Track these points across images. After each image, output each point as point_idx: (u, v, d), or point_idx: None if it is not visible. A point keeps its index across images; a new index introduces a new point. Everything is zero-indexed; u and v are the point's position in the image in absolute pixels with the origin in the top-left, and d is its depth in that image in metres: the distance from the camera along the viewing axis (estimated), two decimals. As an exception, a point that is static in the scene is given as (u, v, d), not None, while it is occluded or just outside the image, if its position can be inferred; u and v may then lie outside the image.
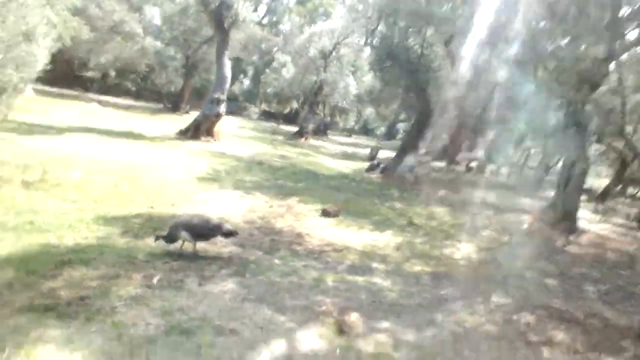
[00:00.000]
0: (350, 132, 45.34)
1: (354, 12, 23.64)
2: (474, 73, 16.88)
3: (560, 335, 5.27)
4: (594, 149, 24.37)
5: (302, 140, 27.98)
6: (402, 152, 17.20)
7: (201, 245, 6.11)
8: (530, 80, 13.86)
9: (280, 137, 27.92)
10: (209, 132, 18.51)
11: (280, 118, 42.94)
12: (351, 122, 47.36)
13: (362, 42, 25.70)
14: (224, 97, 18.58)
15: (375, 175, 17.02)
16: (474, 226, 11.13)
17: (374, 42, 18.57)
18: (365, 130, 49.83)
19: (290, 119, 41.81)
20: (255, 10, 29.42)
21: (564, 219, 12.51)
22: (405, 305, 5.49)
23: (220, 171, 12.81)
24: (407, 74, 16.08)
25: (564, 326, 5.48)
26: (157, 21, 31.28)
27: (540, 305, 6.11)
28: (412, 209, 11.96)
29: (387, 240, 8.47)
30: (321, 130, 34.94)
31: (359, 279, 6.16)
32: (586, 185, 23.42)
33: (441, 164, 28.40)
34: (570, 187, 12.68)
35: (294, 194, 11.16)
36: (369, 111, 43.94)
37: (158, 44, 28.78)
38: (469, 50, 15.34)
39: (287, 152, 20.72)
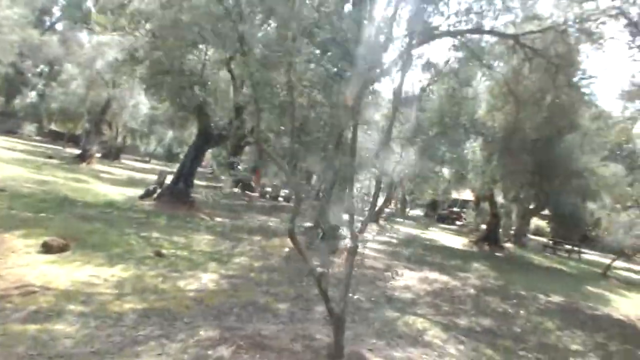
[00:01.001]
0: (150, 156, 42.65)
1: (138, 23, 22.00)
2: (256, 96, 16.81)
3: (249, 367, 4.96)
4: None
5: (84, 164, 25.10)
6: (179, 176, 16.30)
7: None
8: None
9: (56, 161, 24.61)
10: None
11: (69, 139, 38.33)
12: (152, 146, 44.66)
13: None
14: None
15: (149, 202, 15.76)
16: (232, 253, 10.77)
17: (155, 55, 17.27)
18: (171, 155, 47.57)
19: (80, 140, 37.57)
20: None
21: (323, 238, 13.01)
22: (73, 355, 4.58)
23: None
24: (182, 92, 15.28)
25: (259, 355, 5.17)
26: None
27: (250, 335, 5.78)
28: (171, 238, 11.10)
29: (111, 275, 7.43)
30: (112, 154, 32.09)
31: (32, 327, 5.05)
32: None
33: (236, 189, 28.33)
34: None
35: (21, 227, 9.36)
36: (172, 135, 42.00)
37: None
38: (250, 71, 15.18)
39: (53, 177, 18.10)
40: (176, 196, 15.77)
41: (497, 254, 20.59)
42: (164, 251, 9.55)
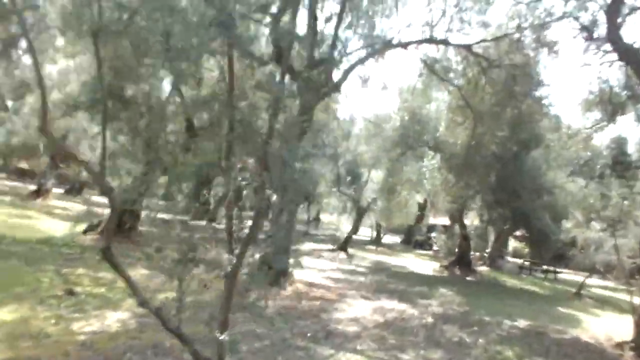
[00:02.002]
0: (120, 191, 41.19)
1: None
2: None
3: None
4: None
5: (39, 200, 23.91)
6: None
7: None
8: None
9: (9, 197, 23.37)
10: None
11: (33, 175, 36.79)
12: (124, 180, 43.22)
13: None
14: None
15: (92, 237, 14.74)
16: (161, 288, 9.75)
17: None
18: (143, 189, 46.19)
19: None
20: None
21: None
22: None
23: None
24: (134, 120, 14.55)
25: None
26: None
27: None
28: (96, 274, 10.08)
29: (-10, 319, 6.45)
30: (76, 189, 30.89)
31: None
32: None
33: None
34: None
35: None
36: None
37: None
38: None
39: (-6, 214, 16.99)
40: (121, 229, 14.76)
41: (468, 278, 19.76)
42: (78, 289, 8.57)
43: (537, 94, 14.76)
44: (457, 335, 9.53)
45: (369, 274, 17.30)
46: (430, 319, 10.68)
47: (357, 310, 10.65)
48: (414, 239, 37.36)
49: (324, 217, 42.81)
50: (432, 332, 9.49)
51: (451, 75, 14.54)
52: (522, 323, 11.47)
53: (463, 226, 21.19)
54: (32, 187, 27.80)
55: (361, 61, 13.02)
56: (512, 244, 37.77)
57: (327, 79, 13.17)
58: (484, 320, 11.29)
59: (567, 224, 25.07)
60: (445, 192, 18.31)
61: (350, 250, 23.48)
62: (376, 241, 34.73)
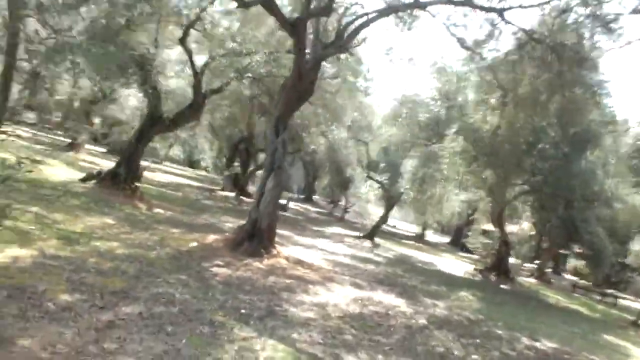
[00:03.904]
0: (164, 159, 40.67)
1: None
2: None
3: None
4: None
5: (71, 153, 23.93)
6: (121, 161, 14.85)
7: None
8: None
9: (41, 147, 23.36)
10: None
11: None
12: (174, 150, 43.34)
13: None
14: None
15: (86, 185, 14.05)
16: (102, 236, 8.63)
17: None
18: (191, 161, 46.31)
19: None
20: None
21: (251, 238, 10.69)
22: None
23: None
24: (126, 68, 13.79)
25: None
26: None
27: None
28: (51, 215, 9.16)
29: None
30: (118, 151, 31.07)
31: None
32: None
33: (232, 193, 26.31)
34: (263, 203, 10.95)
35: None
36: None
37: None
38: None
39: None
40: (116, 181, 14.05)
41: (502, 285, 17.28)
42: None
43: (591, 80, 12.10)
44: (446, 345, 7.57)
45: (383, 265, 15.43)
46: (422, 321, 8.74)
47: (334, 297, 8.93)
48: (461, 240, 34.68)
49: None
50: (412, 336, 7.57)
51: (481, 49, 12.19)
52: (545, 344, 9.23)
53: (502, 229, 18.57)
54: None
55: (372, 20, 11.28)
56: (574, 262, 34.03)
57: (338, 37, 11.58)
58: (494, 332, 9.19)
59: (636, 246, 21.96)
60: (475, 185, 15.84)
61: (378, 240, 21.57)
62: (419, 237, 32.54)
